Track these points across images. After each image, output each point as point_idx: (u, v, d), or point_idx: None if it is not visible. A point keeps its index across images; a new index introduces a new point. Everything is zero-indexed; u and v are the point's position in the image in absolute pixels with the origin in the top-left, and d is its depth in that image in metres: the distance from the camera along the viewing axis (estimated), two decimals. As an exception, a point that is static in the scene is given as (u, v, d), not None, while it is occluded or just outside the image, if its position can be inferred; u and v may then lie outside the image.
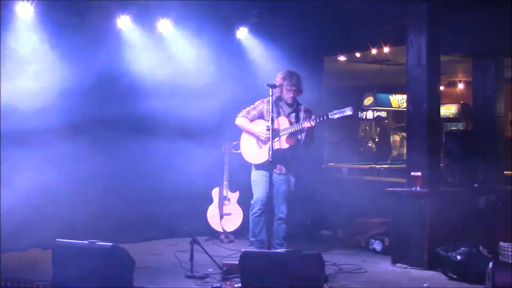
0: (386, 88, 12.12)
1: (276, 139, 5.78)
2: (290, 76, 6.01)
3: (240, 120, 6.22)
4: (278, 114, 6.00)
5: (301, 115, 6.04)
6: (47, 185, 6.45)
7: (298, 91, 6.05)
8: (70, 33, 6.43)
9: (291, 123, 5.94)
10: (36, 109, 6.36)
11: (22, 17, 6.12)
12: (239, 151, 6.28)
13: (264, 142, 6.00)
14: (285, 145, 5.93)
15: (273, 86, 5.76)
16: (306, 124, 5.77)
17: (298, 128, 5.86)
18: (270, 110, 5.65)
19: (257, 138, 6.07)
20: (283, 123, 5.94)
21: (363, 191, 7.52)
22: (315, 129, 5.87)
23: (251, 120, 6.19)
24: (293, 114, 6.06)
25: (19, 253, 6.22)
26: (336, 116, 5.63)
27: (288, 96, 6.02)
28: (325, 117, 5.69)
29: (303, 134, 5.94)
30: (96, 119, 6.64)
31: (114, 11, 6.65)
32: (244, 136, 6.24)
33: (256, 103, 6.21)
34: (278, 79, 6.03)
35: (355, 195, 7.42)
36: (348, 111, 5.57)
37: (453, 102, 12.99)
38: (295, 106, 6.10)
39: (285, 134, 5.90)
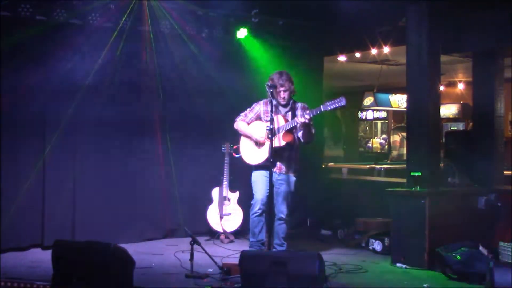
0: (386, 88, 12.11)
1: (274, 138, 5.76)
2: (278, 77, 5.93)
3: (238, 124, 6.22)
4: (276, 114, 5.98)
5: (298, 112, 5.99)
6: (47, 184, 6.46)
7: (289, 91, 5.95)
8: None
9: (286, 121, 5.92)
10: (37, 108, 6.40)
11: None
12: (239, 155, 6.27)
13: (262, 143, 6.00)
14: (282, 142, 5.91)
15: (274, 87, 5.77)
16: (301, 119, 5.75)
17: (294, 124, 5.84)
18: (269, 110, 5.65)
19: (255, 140, 6.05)
20: (280, 121, 5.93)
21: (363, 191, 7.52)
22: (312, 124, 5.88)
23: (249, 123, 6.18)
24: (290, 113, 6.02)
25: (19, 253, 6.21)
26: (329, 108, 5.62)
27: (280, 97, 5.96)
28: (318, 111, 5.69)
29: (302, 131, 5.93)
30: (97, 119, 6.63)
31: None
32: (243, 139, 6.23)
33: (253, 105, 6.21)
34: (269, 81, 5.95)
35: (355, 195, 7.42)
36: (341, 102, 5.56)
37: (453, 102, 12.97)
38: (291, 105, 6.05)
39: (281, 132, 5.89)
